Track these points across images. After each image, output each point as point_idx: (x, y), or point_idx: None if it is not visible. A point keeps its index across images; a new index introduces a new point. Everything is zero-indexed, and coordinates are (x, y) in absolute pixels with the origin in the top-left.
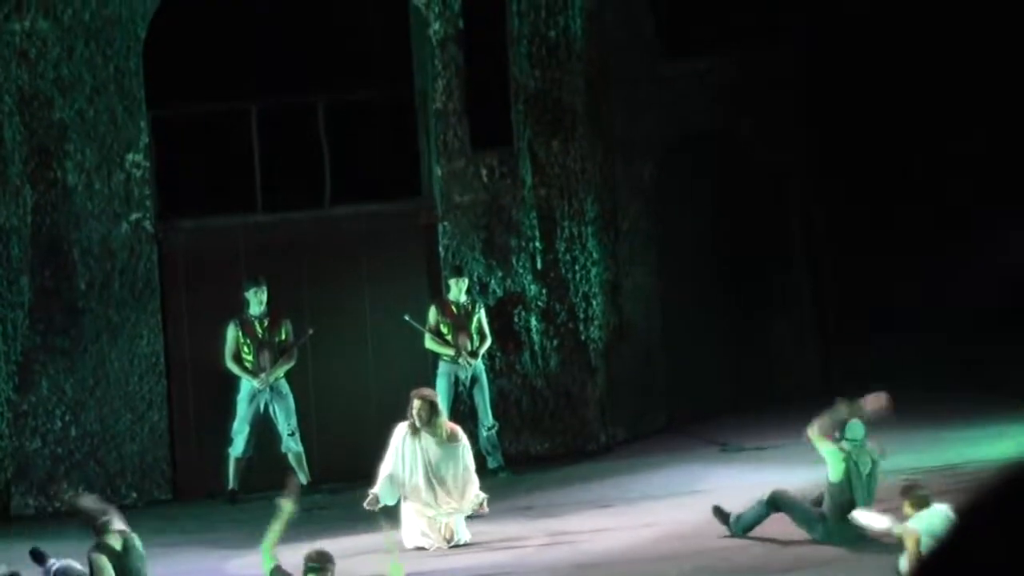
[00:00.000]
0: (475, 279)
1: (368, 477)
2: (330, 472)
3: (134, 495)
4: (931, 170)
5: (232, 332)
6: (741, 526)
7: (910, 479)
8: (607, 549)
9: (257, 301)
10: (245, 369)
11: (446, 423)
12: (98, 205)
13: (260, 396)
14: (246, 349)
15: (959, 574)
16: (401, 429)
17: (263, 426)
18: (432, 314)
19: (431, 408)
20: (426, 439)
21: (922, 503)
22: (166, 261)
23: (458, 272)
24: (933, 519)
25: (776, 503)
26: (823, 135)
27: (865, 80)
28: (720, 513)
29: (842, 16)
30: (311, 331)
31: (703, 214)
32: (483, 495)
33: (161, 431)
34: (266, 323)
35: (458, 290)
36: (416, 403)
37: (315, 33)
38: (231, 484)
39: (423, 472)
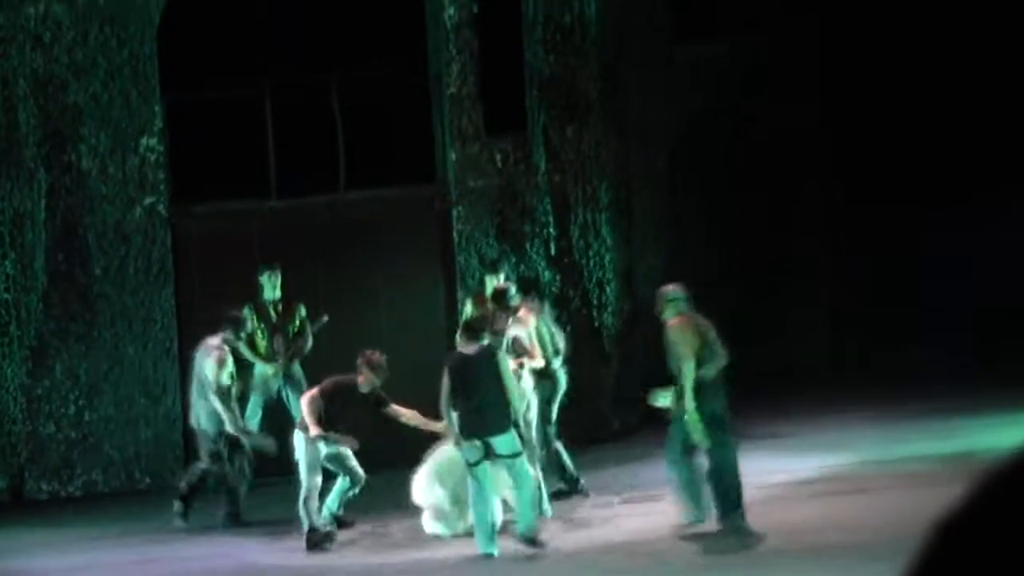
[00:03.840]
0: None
1: (383, 461)
2: None
3: (148, 480)
4: (951, 152)
5: (246, 317)
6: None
7: None
8: (621, 535)
9: (271, 286)
10: (259, 354)
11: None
12: (112, 189)
13: (273, 381)
14: (260, 334)
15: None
16: None
17: (276, 411)
18: (469, 308)
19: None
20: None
21: None
22: (180, 246)
23: (493, 268)
24: None
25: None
26: (838, 119)
27: (880, 62)
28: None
29: None
30: (326, 318)
31: (717, 199)
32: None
33: (175, 416)
34: (280, 308)
35: (492, 286)
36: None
37: (330, 19)
38: None
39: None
